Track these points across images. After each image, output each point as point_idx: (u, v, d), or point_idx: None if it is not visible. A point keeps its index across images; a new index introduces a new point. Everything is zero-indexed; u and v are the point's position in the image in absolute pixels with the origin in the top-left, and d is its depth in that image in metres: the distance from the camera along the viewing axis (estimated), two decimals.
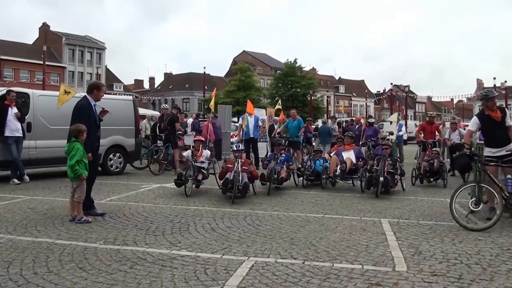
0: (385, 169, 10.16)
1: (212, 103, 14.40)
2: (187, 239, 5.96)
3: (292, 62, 60.70)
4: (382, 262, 5.10)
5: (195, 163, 10.05)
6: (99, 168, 13.41)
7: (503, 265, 5.03)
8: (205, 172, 10.29)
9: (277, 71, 68.61)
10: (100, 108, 7.90)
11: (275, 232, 6.45)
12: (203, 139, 11.35)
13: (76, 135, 7.10)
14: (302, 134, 16.01)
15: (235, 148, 10.31)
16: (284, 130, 16.14)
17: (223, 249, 5.54)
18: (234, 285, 4.24)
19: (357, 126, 18.20)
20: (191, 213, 7.71)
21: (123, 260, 5.02)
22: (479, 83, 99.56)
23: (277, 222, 7.20)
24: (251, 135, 15.92)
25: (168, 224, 6.84)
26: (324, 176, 11.21)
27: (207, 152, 10.85)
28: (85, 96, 7.73)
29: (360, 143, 16.69)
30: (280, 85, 59.85)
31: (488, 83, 69.62)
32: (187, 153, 10.51)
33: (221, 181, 9.47)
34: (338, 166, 11.14)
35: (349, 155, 11.48)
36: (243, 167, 9.57)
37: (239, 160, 9.52)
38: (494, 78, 41.58)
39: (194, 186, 9.99)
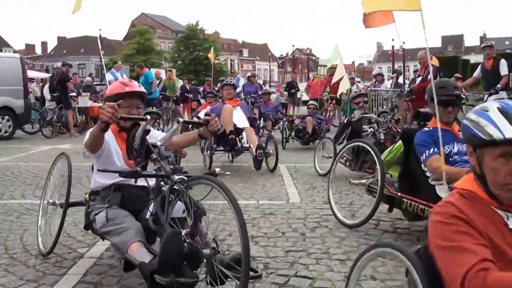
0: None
1: None
2: (78, 190, 5.73)
3: (194, 24, 59.62)
4: (277, 197, 5.28)
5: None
6: None
7: None
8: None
9: (179, 34, 67.17)
10: None
11: None
12: None
13: None
14: (156, 89, 14.27)
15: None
16: None
17: None
18: None
19: None
20: (85, 168, 7.39)
21: (10, 211, 4.82)
22: (379, 46, 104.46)
23: None
24: None
25: (60, 179, 6.52)
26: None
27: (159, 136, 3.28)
28: None
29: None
30: (182, 48, 58.69)
31: (387, 46, 72.81)
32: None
33: None
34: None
35: (237, 116, 7.17)
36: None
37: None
38: (393, 40, 43.82)
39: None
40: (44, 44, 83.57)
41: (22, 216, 4.61)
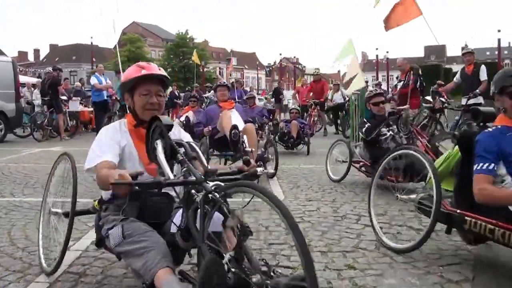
0: None
1: None
2: (66, 189, 5.79)
3: (184, 33, 59.85)
4: None
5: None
6: None
7: None
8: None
9: (169, 43, 67.30)
10: None
11: None
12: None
13: None
14: None
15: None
16: None
17: None
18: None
19: None
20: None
21: None
22: (364, 55, 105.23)
23: None
24: (105, 97, 13.55)
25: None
26: None
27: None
28: None
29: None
30: (171, 56, 58.86)
31: (372, 56, 73.85)
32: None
33: None
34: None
35: (234, 118, 6.52)
36: None
37: None
38: (377, 49, 44.78)
39: None
40: (36, 52, 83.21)
41: (10, 213, 4.66)
